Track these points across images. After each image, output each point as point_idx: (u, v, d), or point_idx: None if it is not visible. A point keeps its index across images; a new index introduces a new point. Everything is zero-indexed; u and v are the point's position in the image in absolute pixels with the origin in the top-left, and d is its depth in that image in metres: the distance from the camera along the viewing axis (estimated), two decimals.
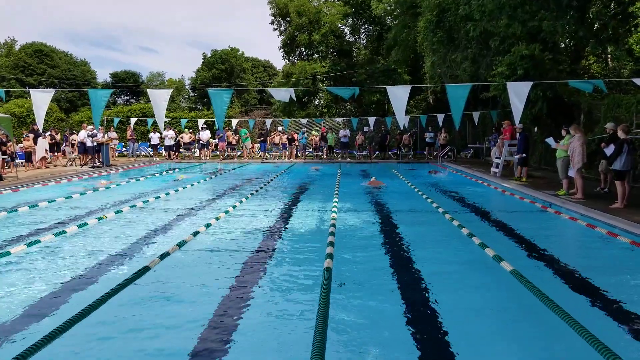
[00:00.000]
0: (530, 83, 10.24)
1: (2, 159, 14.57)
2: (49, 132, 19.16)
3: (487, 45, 15.89)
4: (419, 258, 5.74)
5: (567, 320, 3.47)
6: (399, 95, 10.84)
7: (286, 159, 23.12)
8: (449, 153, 21.92)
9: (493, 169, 14.64)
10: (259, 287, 4.74)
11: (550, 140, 11.37)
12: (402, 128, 20.80)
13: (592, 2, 13.51)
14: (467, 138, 24.92)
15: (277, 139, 23.57)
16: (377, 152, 24.09)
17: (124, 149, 26.04)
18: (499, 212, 9.18)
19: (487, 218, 8.45)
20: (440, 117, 20.82)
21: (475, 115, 20.28)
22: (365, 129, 25.04)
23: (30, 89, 11.77)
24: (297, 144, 24.01)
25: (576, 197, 9.41)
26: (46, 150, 17.78)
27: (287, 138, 23.53)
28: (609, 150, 8.79)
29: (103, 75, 70.34)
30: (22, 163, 17.08)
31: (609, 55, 17.14)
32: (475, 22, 15.32)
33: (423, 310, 4.19)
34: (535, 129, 15.88)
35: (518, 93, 9.98)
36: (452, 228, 7.35)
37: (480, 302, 4.39)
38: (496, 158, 14.92)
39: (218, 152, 24.26)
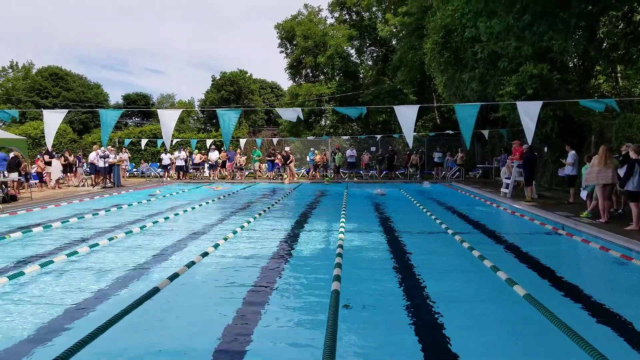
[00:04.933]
0: (540, 102, 10.22)
1: (18, 179, 14.79)
2: (60, 154, 19.46)
3: (495, 65, 15.99)
4: (428, 280, 5.67)
5: (582, 345, 3.40)
6: (407, 114, 10.88)
7: (292, 178, 23.10)
8: (457, 173, 21.86)
9: (503, 190, 14.56)
10: (266, 309, 4.70)
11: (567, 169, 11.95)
12: (410, 147, 20.85)
13: (601, 22, 13.58)
14: (476, 158, 24.89)
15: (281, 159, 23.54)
16: (385, 172, 24.08)
17: (135, 169, 26.36)
18: (510, 234, 9.07)
19: (499, 240, 8.35)
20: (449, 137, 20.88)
21: (484, 135, 20.28)
22: (372, 148, 25.11)
23: (43, 110, 12.00)
24: (292, 162, 23.79)
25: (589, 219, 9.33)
26: (61, 171, 18.07)
27: (283, 157, 23.39)
28: (622, 170, 8.71)
29: (115, 97, 71.97)
30: (35, 184, 17.31)
31: (619, 74, 17.15)
32: (482, 43, 15.45)
33: (433, 332, 4.12)
34: (545, 149, 15.83)
35: (528, 112, 9.96)
36: (463, 250, 7.28)
37: (493, 327, 4.31)
38: (506, 178, 14.85)
39: (226, 172, 24.43)
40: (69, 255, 6.77)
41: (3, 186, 13.90)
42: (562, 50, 12.94)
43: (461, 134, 10.92)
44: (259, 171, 24.91)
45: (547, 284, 5.57)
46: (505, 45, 14.50)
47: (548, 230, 9.20)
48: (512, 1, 12.69)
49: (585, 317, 4.51)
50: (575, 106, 13.28)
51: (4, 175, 13.74)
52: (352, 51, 35.55)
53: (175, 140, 24.43)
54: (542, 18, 12.52)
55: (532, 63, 14.10)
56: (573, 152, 11.88)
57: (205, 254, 6.81)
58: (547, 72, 13.73)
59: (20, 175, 14.85)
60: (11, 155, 15.14)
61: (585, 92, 15.88)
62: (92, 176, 19.27)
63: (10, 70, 50.35)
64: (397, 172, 24.46)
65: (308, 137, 27.59)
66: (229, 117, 11.24)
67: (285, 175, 22.84)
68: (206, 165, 24.48)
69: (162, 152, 24.61)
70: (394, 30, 29.47)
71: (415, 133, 19.91)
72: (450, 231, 8.70)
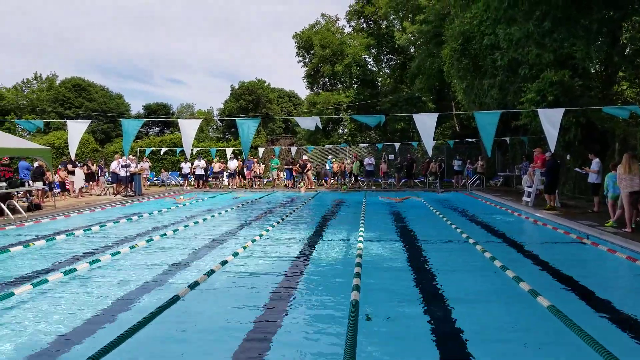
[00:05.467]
0: (562, 110, 10.04)
1: (42, 188, 15.14)
2: (83, 163, 19.89)
3: (515, 72, 15.79)
4: (450, 291, 5.58)
5: (607, 358, 3.31)
6: (426, 122, 10.81)
7: (310, 187, 23.11)
8: (478, 181, 21.57)
9: (525, 198, 14.31)
10: (285, 318, 4.70)
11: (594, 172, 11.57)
12: (430, 155, 20.69)
13: (624, 28, 13.34)
14: (497, 166, 24.55)
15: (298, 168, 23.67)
16: (404, 180, 23.90)
17: (156, 178, 26.75)
18: (533, 243, 8.90)
19: (521, 250, 8.18)
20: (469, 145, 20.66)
21: (505, 142, 20.02)
22: (391, 156, 24.95)
23: (67, 120, 12.30)
24: (309, 170, 23.89)
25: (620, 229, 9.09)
26: (83, 180, 18.46)
27: (300, 165, 23.55)
28: None
29: (136, 107, 73.78)
30: (58, 192, 17.70)
31: None
32: (502, 50, 15.29)
33: (454, 345, 4.05)
34: (568, 156, 15.53)
35: (551, 120, 9.79)
36: (484, 260, 7.17)
37: (516, 339, 4.21)
38: (527, 187, 14.60)
39: (245, 181, 24.60)
40: (91, 263, 6.89)
41: (28, 195, 14.25)
42: (584, 56, 12.72)
43: (481, 141, 10.79)
44: (277, 180, 25.03)
45: (571, 295, 5.44)
46: (525, 52, 14.32)
47: (572, 240, 9.00)
48: (531, 8, 12.55)
49: (612, 329, 4.38)
50: (598, 113, 13.02)
51: (29, 184, 14.09)
52: (370, 59, 35.60)
53: (195, 150, 24.73)
54: (563, 24, 12.35)
55: (553, 70, 13.89)
56: (597, 159, 11.64)
57: (224, 262, 6.85)
58: (569, 78, 13.50)
59: (44, 184, 15.20)
60: (36, 164, 15.53)
61: (608, 98, 15.56)
62: (114, 185, 19.60)
63: (34, 82, 51.91)
64: (416, 181, 24.26)
65: (326, 146, 27.67)
66: (248, 126, 11.32)
67: (302, 184, 22.88)
68: (225, 174, 24.69)
69: (182, 161, 24.95)
70: (412, 38, 29.44)
71: (433, 141, 19.78)
72: (471, 240, 8.58)
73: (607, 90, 16.04)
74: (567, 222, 10.42)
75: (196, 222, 11.36)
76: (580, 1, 11.85)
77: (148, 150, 25.78)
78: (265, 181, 25.21)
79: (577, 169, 13.22)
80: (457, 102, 25.28)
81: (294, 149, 25.18)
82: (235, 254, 7.47)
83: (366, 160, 23.38)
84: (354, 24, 36.68)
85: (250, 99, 46.51)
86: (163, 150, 26.18)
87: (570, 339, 3.94)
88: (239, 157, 24.80)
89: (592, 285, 5.77)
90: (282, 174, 25.14)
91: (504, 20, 14.20)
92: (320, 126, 12.83)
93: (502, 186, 22.39)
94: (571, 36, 12.27)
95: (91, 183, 20.42)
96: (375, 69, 36.23)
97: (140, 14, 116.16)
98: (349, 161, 24.18)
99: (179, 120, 12.39)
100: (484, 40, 16.10)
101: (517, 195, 16.46)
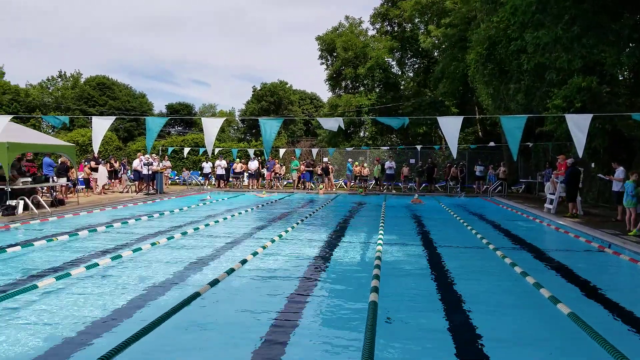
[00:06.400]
0: (590, 115, 9.78)
1: (66, 184, 15.47)
2: (106, 160, 20.27)
3: (541, 77, 15.48)
4: (469, 296, 5.48)
5: None
6: (450, 126, 10.67)
7: (331, 189, 23.11)
8: (499, 187, 21.23)
9: (547, 205, 14.02)
10: (303, 319, 4.68)
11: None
12: (455, 158, 20.43)
13: None
14: (519, 172, 24.12)
15: (318, 170, 23.72)
16: (425, 184, 23.67)
17: (177, 177, 27.09)
18: (554, 250, 8.70)
19: (541, 257, 8.00)
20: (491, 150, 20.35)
21: (529, 148, 19.64)
22: (412, 160, 24.76)
23: (92, 116, 12.54)
24: (331, 173, 23.92)
25: None
26: (106, 177, 18.81)
27: (322, 168, 23.58)
28: None
29: (159, 106, 75.23)
30: (82, 189, 18.06)
31: None
32: (529, 55, 15.01)
33: (473, 351, 3.98)
34: (592, 164, 15.16)
35: (579, 125, 9.55)
36: (504, 266, 7.02)
37: (537, 346, 4.11)
38: (550, 194, 14.30)
39: (265, 182, 24.71)
40: (113, 258, 6.99)
41: (52, 191, 14.57)
42: (614, 62, 12.37)
43: (507, 146, 10.59)
44: (299, 182, 25.07)
45: (592, 303, 5.32)
46: (553, 58, 14.01)
47: (594, 248, 8.77)
48: (560, 12, 12.27)
49: (633, 339, 4.26)
50: (625, 120, 12.66)
51: (53, 180, 14.39)
52: (393, 63, 35.34)
53: (216, 150, 24.97)
54: (593, 30, 12.03)
55: (581, 75, 13.57)
56: (621, 168, 11.36)
57: (244, 261, 6.88)
58: (596, 85, 13.16)
59: (68, 180, 15.51)
60: (60, 161, 15.87)
61: (636, 106, 15.11)
62: (136, 183, 19.91)
63: (59, 80, 53.09)
64: (436, 185, 24.00)
65: (347, 148, 27.59)
66: (270, 126, 11.34)
67: (321, 187, 22.87)
68: (246, 174, 24.84)
69: (204, 161, 25.21)
70: (436, 41, 29.17)
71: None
72: (491, 246, 8.43)
73: (635, 98, 15.59)
74: (589, 230, 10.16)
75: (217, 222, 11.45)
76: (610, 6, 11.54)
77: (170, 149, 26.13)
78: (285, 182, 25.28)
79: (600, 175, 12.93)
80: (482, 107, 24.93)
81: (314, 150, 25.20)
82: (255, 254, 7.50)
83: (387, 164, 23.25)
84: (378, 26, 36.49)
85: (271, 100, 46.74)
86: (186, 150, 26.51)
87: (590, 347, 3.81)
88: (259, 158, 24.91)
89: (614, 295, 5.61)
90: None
91: (531, 24, 13.93)
92: (343, 127, 12.80)
93: (523, 193, 21.99)
94: (601, 42, 11.95)
95: (114, 180, 20.78)
96: (398, 72, 35.96)
97: (165, 15, 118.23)
98: (366, 165, 24.12)
99: (202, 118, 12.49)
100: (510, 46, 15.82)
101: (539, 202, 16.13)
